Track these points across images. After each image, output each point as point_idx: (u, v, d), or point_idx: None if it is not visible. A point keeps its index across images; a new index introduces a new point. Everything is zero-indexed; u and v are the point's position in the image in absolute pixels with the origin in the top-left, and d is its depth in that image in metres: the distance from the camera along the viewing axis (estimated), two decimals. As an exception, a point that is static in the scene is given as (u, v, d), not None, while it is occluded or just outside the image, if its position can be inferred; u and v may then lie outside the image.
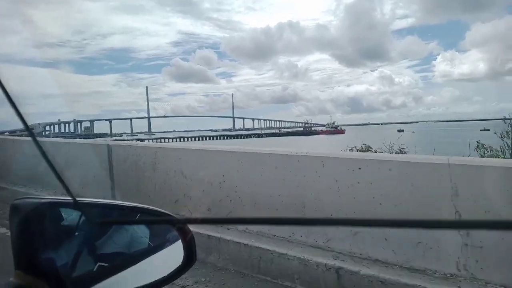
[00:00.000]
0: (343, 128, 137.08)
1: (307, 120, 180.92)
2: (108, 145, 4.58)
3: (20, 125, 0.49)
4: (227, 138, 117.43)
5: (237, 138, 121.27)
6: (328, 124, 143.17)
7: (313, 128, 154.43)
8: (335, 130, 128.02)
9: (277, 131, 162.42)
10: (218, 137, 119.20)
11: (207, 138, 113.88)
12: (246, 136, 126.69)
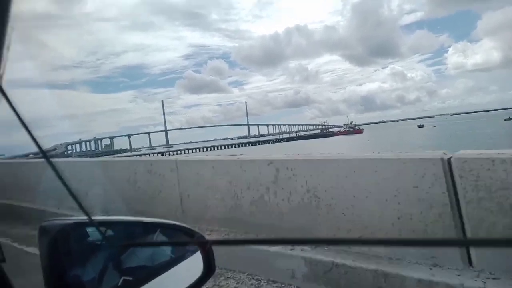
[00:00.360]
0: (361, 127, 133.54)
1: (324, 122, 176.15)
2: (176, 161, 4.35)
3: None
4: (245, 146, 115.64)
5: (256, 144, 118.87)
6: (346, 124, 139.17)
7: (330, 130, 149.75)
8: (353, 130, 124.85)
9: (294, 135, 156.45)
10: (236, 145, 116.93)
11: (227, 147, 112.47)
12: (264, 142, 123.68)
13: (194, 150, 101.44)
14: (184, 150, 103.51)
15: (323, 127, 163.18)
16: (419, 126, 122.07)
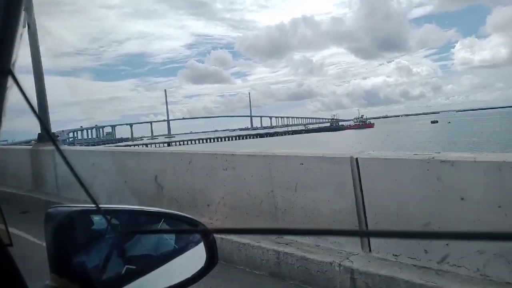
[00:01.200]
0: (371, 121, 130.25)
1: (334, 115, 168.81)
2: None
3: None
4: (251, 138, 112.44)
5: (264, 137, 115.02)
6: (356, 118, 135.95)
7: (340, 123, 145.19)
8: (363, 124, 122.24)
9: (303, 127, 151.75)
10: (240, 137, 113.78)
11: (233, 138, 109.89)
12: (271, 135, 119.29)
13: (196, 141, 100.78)
14: (186, 141, 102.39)
15: (333, 120, 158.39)
16: (433, 122, 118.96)
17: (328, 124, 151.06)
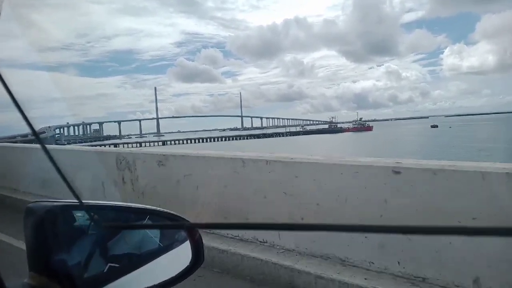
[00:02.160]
0: (370, 124, 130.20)
1: (332, 117, 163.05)
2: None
3: (28, 130, 0.51)
4: (245, 139, 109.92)
5: (261, 137, 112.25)
6: (355, 121, 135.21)
7: (338, 126, 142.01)
8: (362, 127, 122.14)
9: (300, 129, 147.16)
10: (234, 138, 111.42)
11: (228, 139, 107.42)
12: (266, 136, 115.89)
13: (187, 141, 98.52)
14: (175, 140, 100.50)
15: (331, 123, 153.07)
16: (433, 126, 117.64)
17: (326, 126, 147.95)
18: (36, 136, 0.52)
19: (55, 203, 0.65)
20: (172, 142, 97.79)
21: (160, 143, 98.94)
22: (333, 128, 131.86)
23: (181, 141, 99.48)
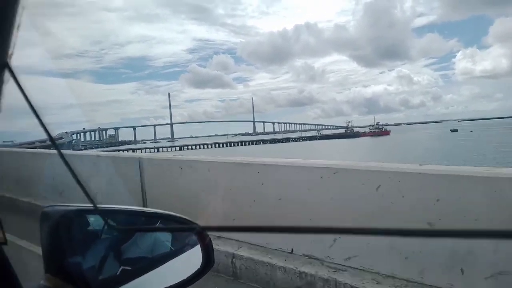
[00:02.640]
0: (387, 129, 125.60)
1: (349, 122, 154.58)
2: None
3: (45, 135, 0.53)
4: (260, 144, 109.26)
5: (277, 142, 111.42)
6: (372, 125, 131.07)
7: (355, 130, 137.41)
8: (379, 131, 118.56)
9: (316, 134, 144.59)
10: (249, 143, 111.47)
11: (236, 144, 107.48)
12: (280, 141, 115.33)
13: (201, 147, 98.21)
14: (193, 146, 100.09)
15: (348, 127, 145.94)
16: (452, 131, 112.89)
17: (342, 131, 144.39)
18: (52, 142, 0.54)
19: (69, 208, 0.67)
20: (190, 147, 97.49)
21: (177, 148, 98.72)
22: (349, 133, 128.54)
23: (198, 146, 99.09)
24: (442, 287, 2.49)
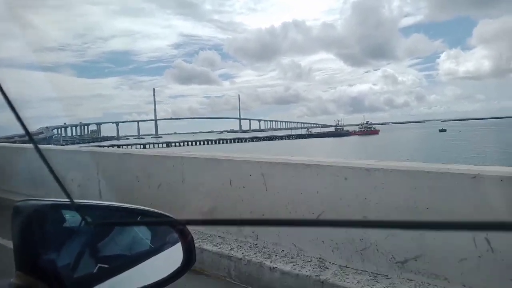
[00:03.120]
0: (377, 128, 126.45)
1: (338, 121, 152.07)
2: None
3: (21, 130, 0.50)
4: (248, 141, 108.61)
5: (266, 140, 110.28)
6: (362, 124, 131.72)
7: (345, 129, 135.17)
8: (369, 130, 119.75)
9: (306, 132, 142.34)
10: (238, 140, 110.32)
11: (223, 142, 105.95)
12: (270, 139, 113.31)
13: (186, 144, 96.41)
14: (179, 142, 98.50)
15: (338, 126, 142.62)
16: (441, 131, 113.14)
17: (332, 129, 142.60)
18: (28, 135, 0.52)
19: (43, 202, 0.64)
20: (176, 144, 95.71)
21: (169, 144, 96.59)
22: (339, 132, 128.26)
23: (186, 143, 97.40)
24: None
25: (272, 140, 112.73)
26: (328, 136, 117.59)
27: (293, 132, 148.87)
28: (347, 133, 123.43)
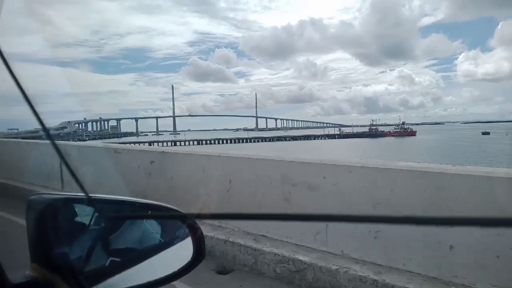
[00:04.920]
0: (413, 129, 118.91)
1: (373, 121, 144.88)
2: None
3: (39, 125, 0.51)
4: (271, 141, 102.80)
5: (298, 140, 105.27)
6: (397, 125, 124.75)
7: (380, 130, 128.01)
8: (405, 131, 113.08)
9: (337, 132, 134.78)
10: (261, 140, 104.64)
11: (247, 141, 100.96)
12: (294, 139, 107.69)
13: (207, 142, 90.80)
14: (195, 141, 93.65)
15: (372, 126, 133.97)
16: (484, 133, 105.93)
17: (366, 130, 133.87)
18: (45, 130, 0.53)
19: (57, 196, 0.66)
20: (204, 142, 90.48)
21: (195, 142, 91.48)
22: (374, 132, 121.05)
23: (213, 141, 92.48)
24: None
25: (297, 140, 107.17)
26: (362, 137, 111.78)
27: (325, 131, 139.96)
28: (382, 134, 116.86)
